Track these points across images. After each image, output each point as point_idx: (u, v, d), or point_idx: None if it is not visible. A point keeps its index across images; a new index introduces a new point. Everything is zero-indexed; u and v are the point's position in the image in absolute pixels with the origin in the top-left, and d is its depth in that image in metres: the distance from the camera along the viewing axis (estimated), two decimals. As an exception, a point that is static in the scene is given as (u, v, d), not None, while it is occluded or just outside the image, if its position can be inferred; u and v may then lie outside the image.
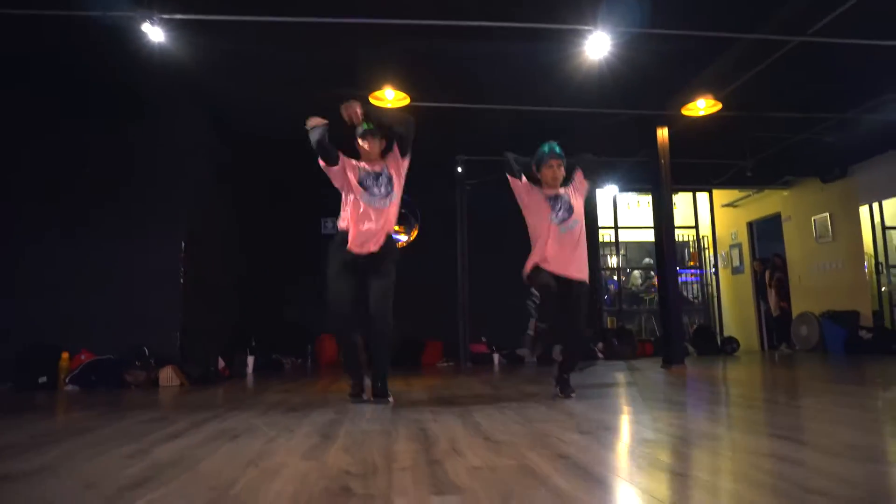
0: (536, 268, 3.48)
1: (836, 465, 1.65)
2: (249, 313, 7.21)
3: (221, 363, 5.44)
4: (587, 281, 3.52)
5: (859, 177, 8.30)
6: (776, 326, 9.70)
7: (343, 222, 3.48)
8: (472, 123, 6.53)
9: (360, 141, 3.55)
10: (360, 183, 3.46)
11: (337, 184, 3.51)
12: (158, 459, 1.91)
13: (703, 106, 5.72)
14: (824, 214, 8.78)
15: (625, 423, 2.50)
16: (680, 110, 5.82)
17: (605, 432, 2.25)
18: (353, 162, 3.53)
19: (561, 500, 1.36)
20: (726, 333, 10.19)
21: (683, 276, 10.93)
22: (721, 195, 10.64)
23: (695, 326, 9.41)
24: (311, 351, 8.31)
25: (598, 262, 9.26)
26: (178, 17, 4.10)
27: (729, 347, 8.57)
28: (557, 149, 3.60)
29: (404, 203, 8.63)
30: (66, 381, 4.76)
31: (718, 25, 4.59)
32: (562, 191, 3.60)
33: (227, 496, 1.46)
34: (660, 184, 6.08)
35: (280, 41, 4.69)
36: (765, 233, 10.49)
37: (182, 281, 5.28)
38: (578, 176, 3.71)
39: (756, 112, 6.27)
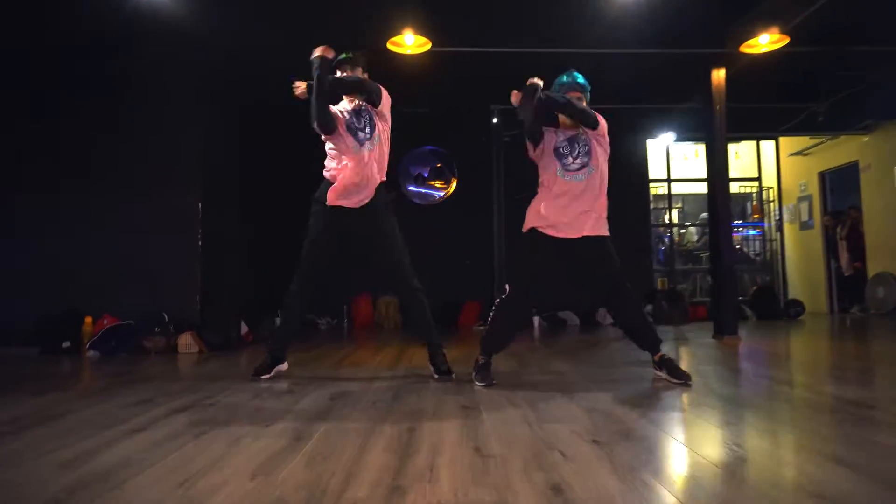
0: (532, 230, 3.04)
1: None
2: (280, 274, 7.06)
3: (245, 328, 5.30)
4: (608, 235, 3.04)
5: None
6: (848, 287, 8.88)
7: (328, 172, 3.18)
8: (507, 69, 5.97)
9: (337, 73, 3.17)
10: (348, 128, 3.14)
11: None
12: (91, 471, 1.66)
13: (766, 41, 4.97)
14: (910, 163, 7.82)
15: (651, 430, 2.10)
16: (739, 48, 5.09)
17: (621, 444, 1.87)
18: (335, 110, 3.20)
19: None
20: (791, 295, 9.45)
21: (744, 230, 10.15)
22: (789, 143, 9.68)
23: (755, 287, 8.70)
24: (347, 311, 8.18)
25: (648, 219, 8.64)
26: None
27: (793, 311, 7.89)
28: (580, 78, 3.09)
29: (439, 155, 8.41)
30: (87, 346, 4.71)
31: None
32: (582, 130, 3.07)
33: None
34: (714, 133, 5.41)
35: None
36: (839, 184, 9.52)
37: (200, 244, 5.10)
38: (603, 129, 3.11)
39: (831, 46, 5.45)
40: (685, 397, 2.68)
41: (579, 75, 3.11)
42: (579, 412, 2.32)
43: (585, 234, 2.96)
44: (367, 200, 3.10)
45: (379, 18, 4.64)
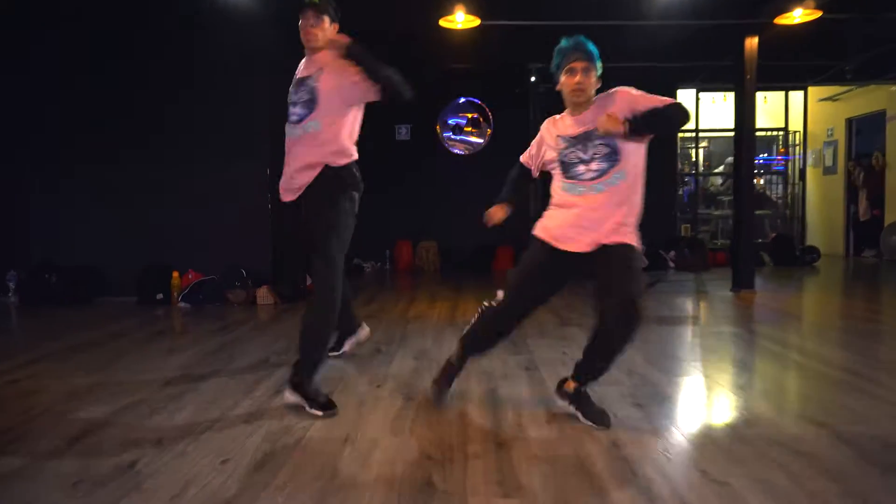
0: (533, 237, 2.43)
1: None
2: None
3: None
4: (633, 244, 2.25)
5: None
6: (863, 232, 9.28)
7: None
8: (548, 34, 6.24)
9: (300, 21, 2.55)
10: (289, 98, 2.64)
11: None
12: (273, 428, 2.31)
13: (799, 14, 5.21)
14: (936, 115, 8.01)
15: (684, 393, 2.71)
16: (773, 20, 5.33)
17: (656, 406, 2.48)
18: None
19: (607, 511, 1.64)
20: (809, 238, 9.87)
21: (769, 167, 10.39)
22: (818, 89, 9.79)
23: (773, 235, 9.13)
24: (390, 255, 8.81)
25: (675, 169, 8.97)
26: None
27: (808, 257, 8.34)
28: (589, 45, 2.27)
29: (475, 106, 8.75)
30: (179, 298, 5.40)
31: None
32: (590, 118, 2.25)
33: None
34: (743, 97, 5.73)
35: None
36: (865, 131, 9.70)
37: (269, 207, 5.67)
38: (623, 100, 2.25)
39: (867, 13, 5.64)
40: (703, 363, 3.27)
41: (586, 40, 2.28)
42: (621, 376, 2.92)
43: (602, 242, 2.23)
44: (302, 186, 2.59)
45: (433, 1, 4.95)
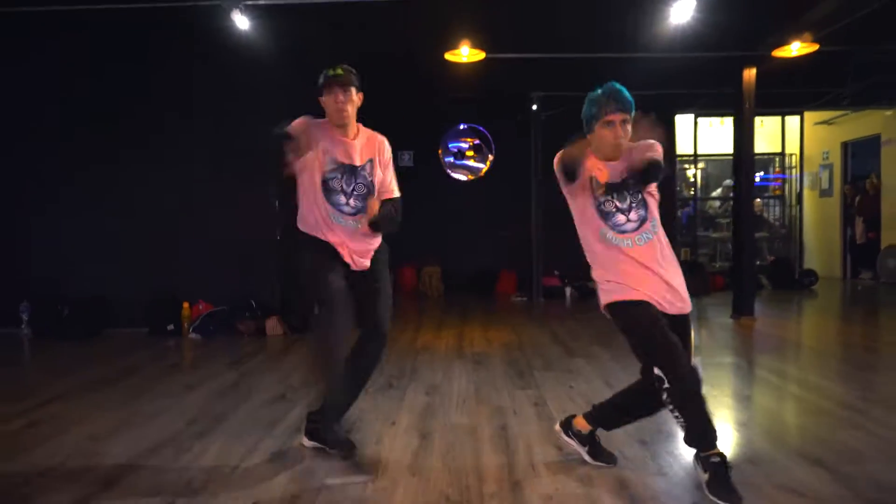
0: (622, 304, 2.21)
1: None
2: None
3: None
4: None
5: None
6: (860, 255, 9.42)
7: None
8: (547, 66, 6.43)
9: (324, 94, 2.49)
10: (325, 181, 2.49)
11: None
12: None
13: (797, 48, 5.38)
14: (929, 140, 8.18)
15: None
16: (771, 52, 5.50)
17: (664, 443, 2.58)
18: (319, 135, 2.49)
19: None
20: (806, 260, 9.99)
21: (766, 188, 10.52)
22: (814, 113, 9.97)
23: (772, 259, 9.26)
24: (394, 280, 8.91)
25: (675, 194, 9.09)
26: (262, 2, 4.27)
27: (807, 280, 8.46)
28: (624, 93, 2.22)
29: (477, 132, 8.92)
30: (190, 329, 5.50)
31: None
32: (624, 169, 2.24)
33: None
34: (742, 125, 5.90)
35: (359, 18, 4.77)
36: (860, 155, 9.87)
37: (278, 238, 5.79)
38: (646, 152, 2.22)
39: (861, 46, 5.83)
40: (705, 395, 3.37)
41: (621, 87, 2.23)
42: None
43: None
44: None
45: (438, 35, 5.11)
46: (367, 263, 2.55)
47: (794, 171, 10.47)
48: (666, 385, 2.05)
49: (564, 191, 2.34)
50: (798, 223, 10.32)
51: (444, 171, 8.81)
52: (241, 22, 4.36)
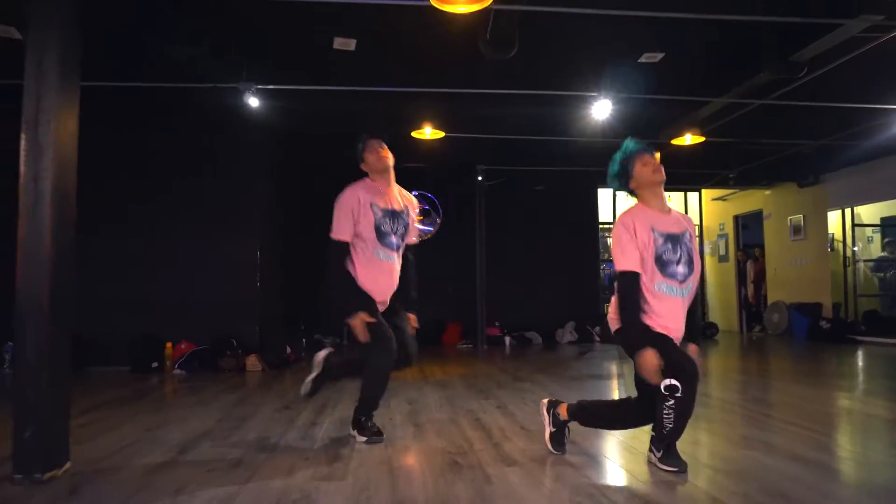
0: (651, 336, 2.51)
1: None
2: (296, 298, 8.39)
3: (288, 349, 6.69)
4: None
5: (830, 185, 9.42)
6: (752, 312, 11.00)
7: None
8: (491, 144, 7.64)
9: (367, 155, 3.25)
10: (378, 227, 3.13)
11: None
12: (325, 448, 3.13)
13: (689, 140, 6.81)
14: (798, 216, 9.93)
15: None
16: (669, 141, 6.91)
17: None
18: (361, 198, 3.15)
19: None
20: (711, 316, 11.48)
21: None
22: (711, 191, 11.75)
23: (680, 312, 10.64)
24: (348, 331, 9.57)
25: (597, 256, 10.39)
26: (270, 87, 5.19)
27: (709, 332, 9.82)
28: (642, 144, 2.72)
29: (427, 199, 9.97)
30: (175, 366, 6.00)
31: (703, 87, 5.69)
32: (677, 219, 2.65)
33: None
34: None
35: (344, 99, 5.76)
36: (751, 226, 11.64)
37: (258, 278, 6.47)
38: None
39: (738, 140, 7.37)
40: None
41: (638, 143, 2.73)
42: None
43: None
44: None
45: (408, 118, 6.18)
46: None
47: (696, 240, 12.14)
48: (679, 394, 2.39)
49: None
50: (703, 285, 11.90)
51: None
52: (253, 102, 5.24)
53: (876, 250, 10.21)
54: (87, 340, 6.13)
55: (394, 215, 3.20)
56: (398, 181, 3.31)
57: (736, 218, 11.61)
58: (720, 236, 11.94)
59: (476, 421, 3.61)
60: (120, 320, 6.22)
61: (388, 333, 3.02)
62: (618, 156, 2.72)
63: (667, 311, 2.52)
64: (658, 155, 2.70)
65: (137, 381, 5.46)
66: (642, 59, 5.08)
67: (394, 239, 3.17)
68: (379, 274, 3.14)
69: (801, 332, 9.24)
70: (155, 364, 6.05)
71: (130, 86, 5.36)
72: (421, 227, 9.91)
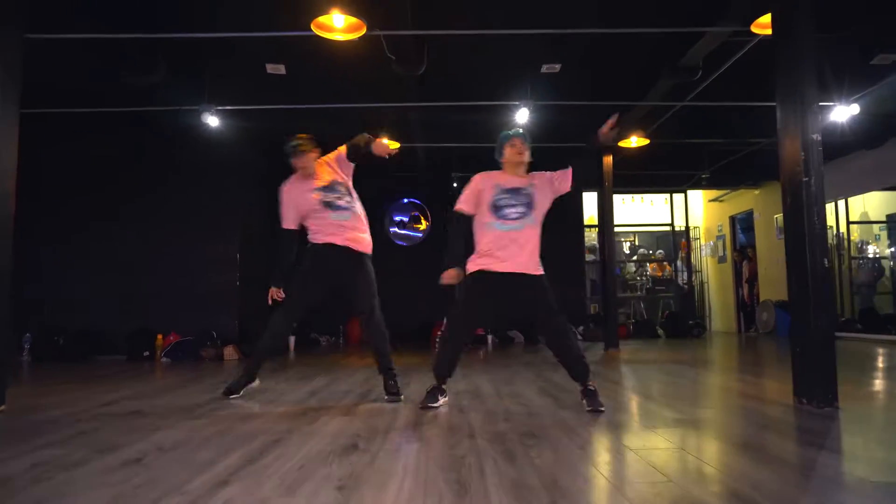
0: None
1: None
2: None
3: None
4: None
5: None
6: (747, 312, 11.01)
7: None
8: (464, 154, 8.21)
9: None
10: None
11: None
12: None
13: (634, 142, 7.17)
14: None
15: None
16: (618, 144, 7.29)
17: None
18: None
19: (385, 415, 3.14)
20: (711, 318, 11.58)
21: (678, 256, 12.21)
22: (709, 192, 11.83)
23: (667, 312, 10.82)
24: (343, 330, 10.28)
25: (583, 259, 10.70)
26: (228, 108, 5.99)
27: (696, 331, 9.95)
28: (524, 135, 3.44)
29: (415, 205, 10.62)
30: (162, 355, 6.84)
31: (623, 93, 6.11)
32: (526, 182, 3.39)
33: None
34: (604, 198, 7.60)
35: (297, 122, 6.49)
36: (747, 226, 11.67)
37: (238, 283, 7.26)
38: (563, 175, 3.46)
39: (682, 140, 7.68)
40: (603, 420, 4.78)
41: (515, 131, 3.45)
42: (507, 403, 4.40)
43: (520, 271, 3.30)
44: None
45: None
46: None
47: (698, 241, 12.26)
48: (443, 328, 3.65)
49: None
50: (705, 286, 12.01)
51: (386, 237, 10.40)
52: (212, 121, 6.04)
53: (883, 247, 10.12)
54: (95, 333, 7.12)
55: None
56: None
57: (732, 219, 11.65)
58: (719, 237, 11.99)
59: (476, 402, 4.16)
60: (118, 315, 7.14)
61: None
62: (499, 138, 3.49)
63: (493, 240, 3.30)
64: (521, 141, 3.41)
65: (135, 367, 6.24)
66: (544, 70, 5.57)
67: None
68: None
69: (784, 329, 9.26)
70: (147, 353, 6.91)
71: (117, 111, 6.27)
72: (412, 232, 10.56)
